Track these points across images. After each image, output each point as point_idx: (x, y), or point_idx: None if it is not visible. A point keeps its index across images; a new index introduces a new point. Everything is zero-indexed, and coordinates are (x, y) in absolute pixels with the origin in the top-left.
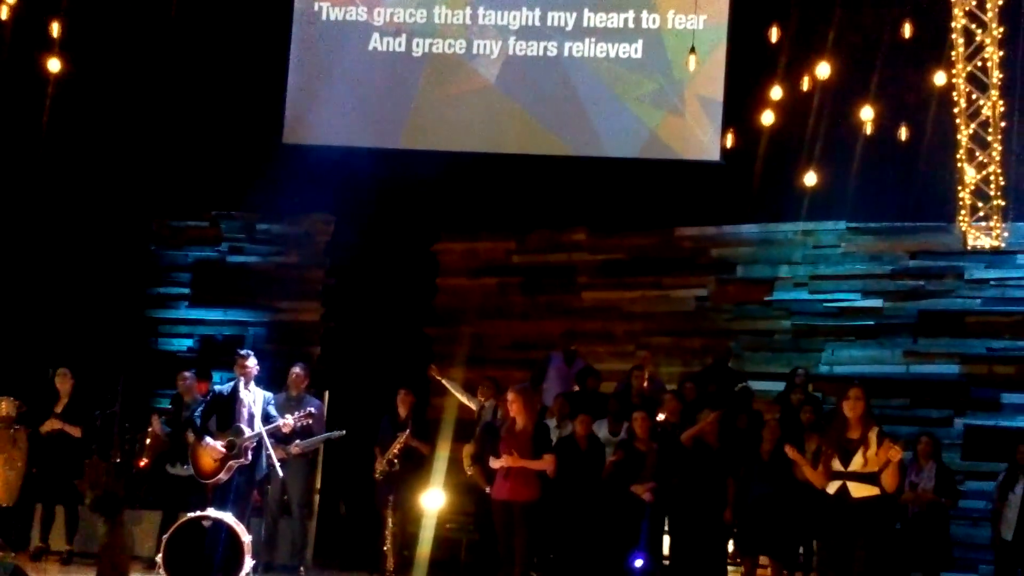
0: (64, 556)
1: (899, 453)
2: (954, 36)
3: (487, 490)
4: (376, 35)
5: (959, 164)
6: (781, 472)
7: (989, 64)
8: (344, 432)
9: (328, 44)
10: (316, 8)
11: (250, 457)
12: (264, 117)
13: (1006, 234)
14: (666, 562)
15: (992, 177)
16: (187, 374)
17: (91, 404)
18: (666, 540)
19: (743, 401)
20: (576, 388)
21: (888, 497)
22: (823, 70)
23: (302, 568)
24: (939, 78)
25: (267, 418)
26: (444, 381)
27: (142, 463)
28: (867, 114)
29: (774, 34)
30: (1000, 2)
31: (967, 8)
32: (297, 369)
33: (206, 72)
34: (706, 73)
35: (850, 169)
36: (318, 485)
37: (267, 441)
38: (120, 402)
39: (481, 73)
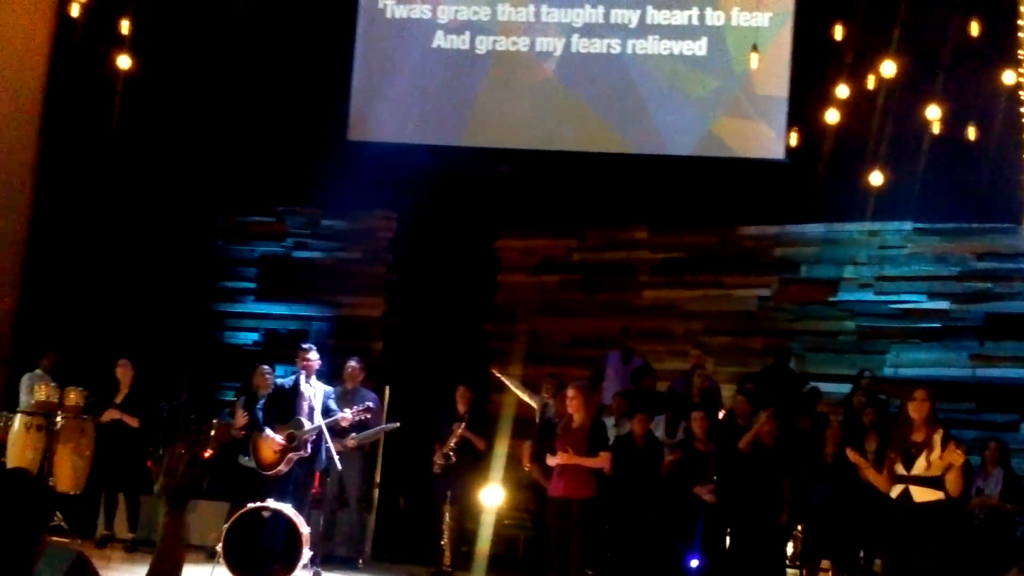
0: (128, 544)
1: (961, 457)
2: (1022, 35)
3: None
4: (440, 33)
5: None
6: (844, 475)
7: None
8: (398, 424)
9: (392, 42)
10: (381, 6)
11: (310, 449)
12: (329, 114)
13: None
14: (721, 562)
15: None
16: (265, 367)
17: (154, 395)
18: (727, 541)
19: (808, 402)
20: (632, 387)
21: (952, 502)
22: (888, 68)
23: (360, 560)
24: (1007, 77)
25: (327, 411)
26: (505, 379)
27: (206, 454)
28: (934, 113)
29: (839, 32)
30: None
31: None
32: (353, 363)
33: (272, 69)
34: (770, 71)
35: (917, 169)
36: (378, 479)
37: (327, 434)
38: (186, 394)
39: (543, 70)
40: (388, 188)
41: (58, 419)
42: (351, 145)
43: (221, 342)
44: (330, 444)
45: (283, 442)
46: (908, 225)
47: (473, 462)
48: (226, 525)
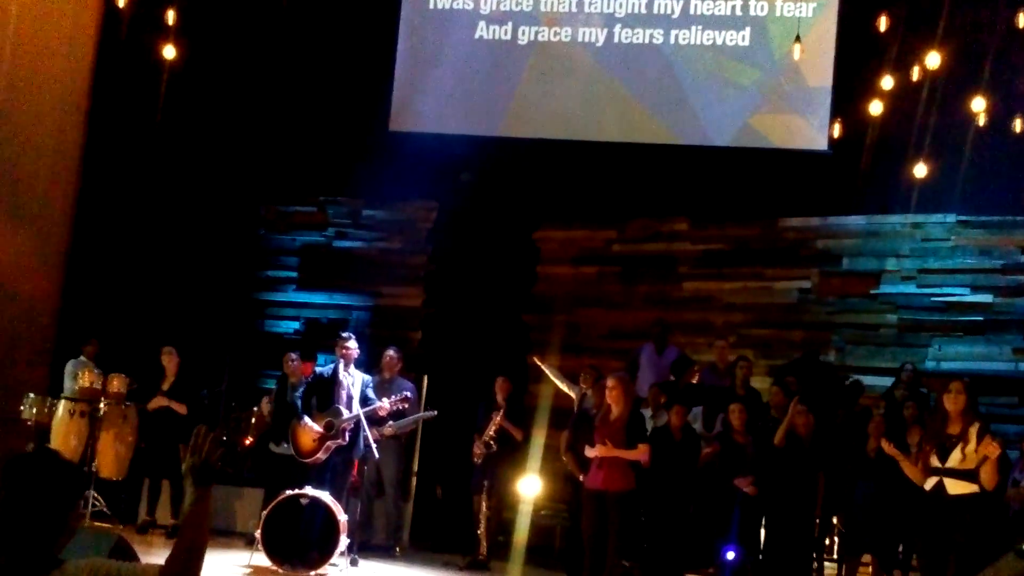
0: (169, 530)
1: (996, 450)
2: None
3: (580, 478)
4: (482, 23)
5: None
6: (887, 470)
7: None
8: (436, 412)
9: (435, 33)
10: None
11: (348, 438)
12: (371, 105)
13: None
14: (758, 555)
15: None
16: (293, 355)
17: (198, 383)
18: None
19: (851, 396)
20: (671, 378)
21: (987, 495)
22: (933, 60)
23: (397, 548)
24: None
25: (365, 400)
26: (545, 368)
27: (247, 441)
28: (979, 105)
29: (883, 22)
30: None
31: None
32: (391, 352)
33: (315, 60)
34: (814, 62)
35: (961, 161)
36: (415, 468)
37: (364, 423)
38: (227, 381)
39: (585, 61)
40: (429, 179)
41: (101, 405)
42: (392, 136)
43: (262, 330)
44: (368, 433)
45: (322, 430)
46: (952, 218)
47: (511, 452)
48: (264, 512)
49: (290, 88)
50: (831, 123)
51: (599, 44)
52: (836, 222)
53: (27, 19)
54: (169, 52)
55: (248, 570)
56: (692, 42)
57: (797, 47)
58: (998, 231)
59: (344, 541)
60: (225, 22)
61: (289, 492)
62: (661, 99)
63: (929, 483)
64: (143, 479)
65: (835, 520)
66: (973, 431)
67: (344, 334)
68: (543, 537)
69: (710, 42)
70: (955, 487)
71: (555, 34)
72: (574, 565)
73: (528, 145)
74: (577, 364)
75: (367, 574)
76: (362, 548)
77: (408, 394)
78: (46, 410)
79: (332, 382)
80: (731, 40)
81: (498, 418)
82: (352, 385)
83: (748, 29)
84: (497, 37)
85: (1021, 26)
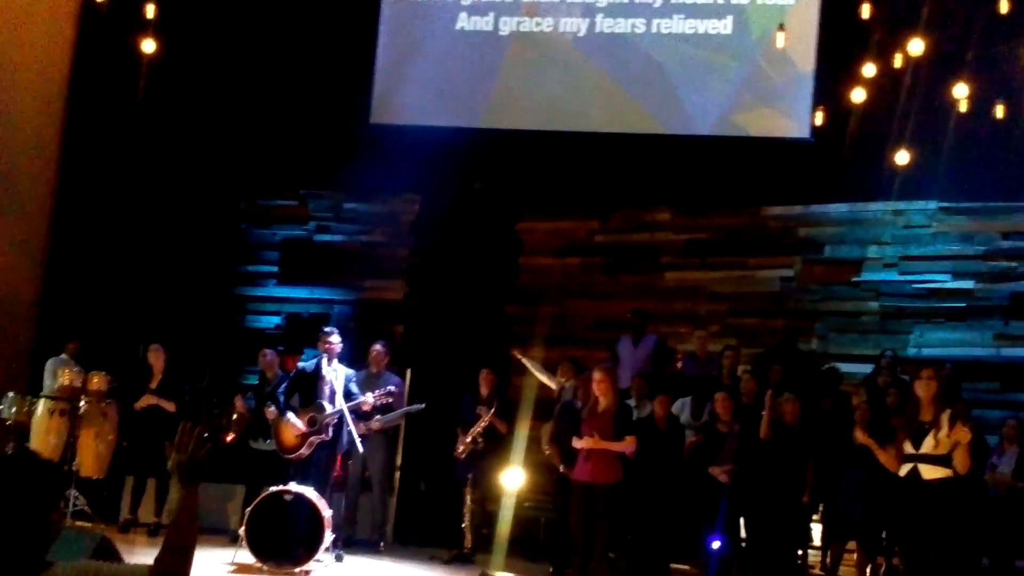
0: (151, 528)
1: (968, 435)
2: None
3: (562, 470)
4: (463, 14)
5: None
6: (873, 456)
7: None
8: (424, 405)
9: (416, 25)
10: None
11: (331, 433)
12: (352, 97)
13: None
14: (743, 544)
15: None
16: (267, 351)
17: (182, 380)
18: (742, 522)
19: (828, 383)
20: (650, 368)
21: (962, 479)
22: (916, 46)
23: (382, 543)
24: None
25: (349, 395)
26: (525, 361)
27: (228, 438)
28: (961, 91)
29: (866, 10)
30: None
31: None
32: (378, 346)
33: (295, 53)
34: (796, 49)
35: (942, 148)
36: (399, 462)
37: (348, 418)
38: (208, 378)
39: (567, 51)
40: (411, 171)
41: (81, 404)
42: (374, 128)
43: (243, 326)
44: (352, 427)
45: (305, 426)
46: (933, 204)
47: (495, 445)
48: (248, 509)
49: (270, 81)
50: (813, 111)
51: (581, 34)
52: (818, 210)
53: (4, 14)
54: (148, 46)
55: (232, 567)
56: (674, 31)
57: (780, 35)
58: (979, 217)
59: (329, 537)
60: (204, 15)
61: (273, 488)
62: (643, 89)
63: (904, 469)
64: (125, 478)
65: (819, 508)
66: (945, 417)
67: (327, 328)
68: (527, 529)
69: (692, 31)
70: (929, 472)
71: (536, 24)
72: (560, 557)
73: (510, 136)
74: (562, 356)
75: (352, 570)
76: (346, 543)
77: (393, 388)
78: (26, 409)
79: (315, 377)
80: (713, 29)
81: (487, 416)
82: (335, 380)
83: (730, 18)
84: (478, 28)
85: (1003, 12)
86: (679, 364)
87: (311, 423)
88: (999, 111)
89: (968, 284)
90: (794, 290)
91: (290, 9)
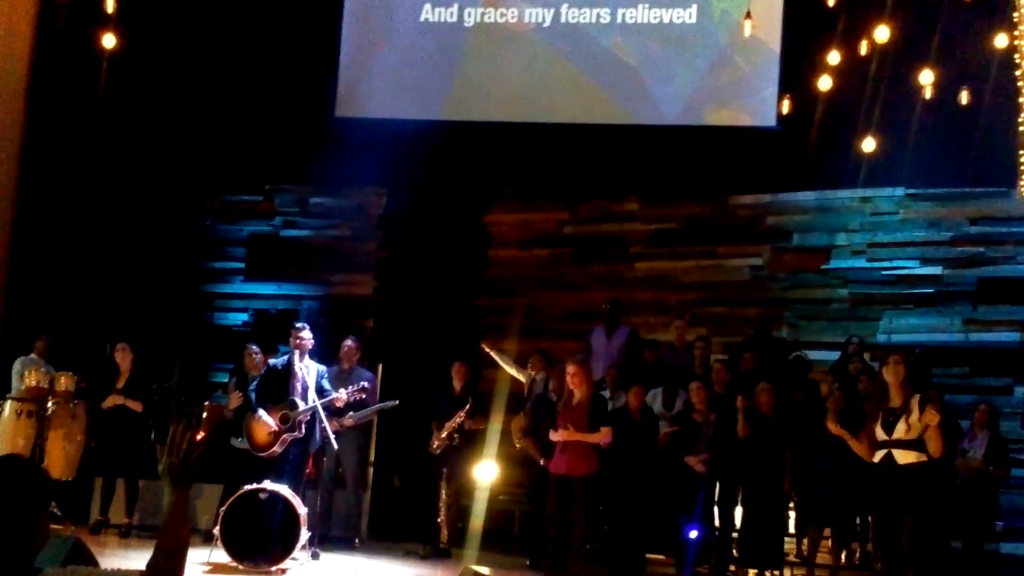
0: (123, 529)
1: (936, 417)
2: None
3: (541, 463)
4: (427, 6)
5: (1020, 128)
6: (845, 444)
7: None
8: (397, 402)
9: (379, 16)
10: None
11: (304, 430)
12: (317, 90)
13: None
14: (718, 533)
15: None
16: (254, 347)
17: (149, 379)
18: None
19: (799, 372)
20: (621, 359)
21: (935, 463)
22: (882, 33)
23: (357, 540)
24: (1001, 40)
25: (321, 391)
26: (494, 354)
27: (199, 436)
28: (927, 78)
29: None
30: None
31: None
32: (349, 342)
33: (259, 46)
34: (762, 38)
35: (909, 134)
36: (372, 458)
37: (321, 414)
38: (177, 376)
39: (532, 41)
40: (377, 164)
41: (49, 405)
42: (339, 121)
43: (210, 323)
44: (325, 424)
45: (277, 423)
46: (900, 191)
47: (469, 440)
48: (223, 508)
49: (234, 75)
50: (780, 99)
51: (546, 24)
52: (786, 198)
53: None
54: (109, 40)
55: (208, 567)
56: (639, 20)
57: (747, 23)
58: (946, 203)
59: (305, 534)
60: (166, 8)
61: (247, 487)
62: (610, 79)
63: (878, 455)
64: (94, 479)
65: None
66: (915, 401)
67: (298, 324)
68: (501, 522)
69: (657, 20)
70: (904, 457)
71: (501, 15)
72: (536, 549)
73: (477, 128)
74: (532, 348)
75: (328, 567)
76: (321, 540)
77: (366, 384)
78: None
79: (287, 374)
80: (678, 18)
81: (461, 416)
82: (307, 376)
83: (695, 6)
84: (443, 19)
85: None
86: (649, 354)
87: (283, 420)
88: (964, 97)
89: (936, 270)
90: (763, 278)
91: (253, 1)
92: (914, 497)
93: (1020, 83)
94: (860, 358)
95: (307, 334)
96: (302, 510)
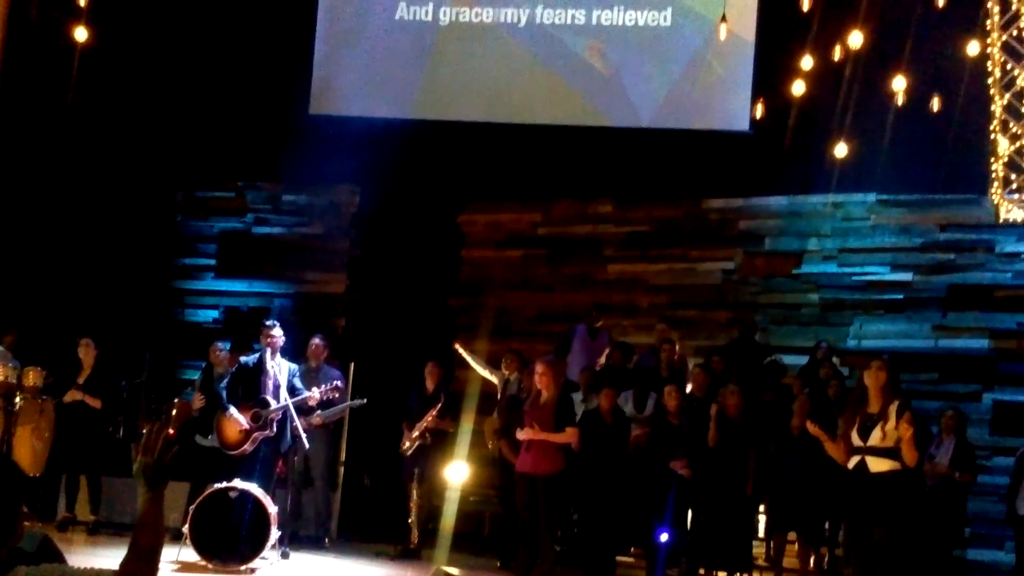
0: (90, 526)
1: (909, 430)
2: (989, 5)
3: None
4: (403, 4)
5: (992, 135)
6: (811, 448)
7: None
8: (365, 400)
9: (354, 14)
10: None
11: (275, 428)
12: (290, 87)
13: None
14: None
15: None
16: (220, 344)
17: (115, 375)
18: (690, 514)
19: (772, 375)
20: (603, 362)
21: (908, 471)
22: (855, 39)
23: (327, 539)
24: (973, 48)
25: (293, 389)
26: (466, 355)
27: (168, 432)
28: (899, 84)
29: (805, 3)
30: None
31: None
32: (317, 340)
33: (233, 42)
34: (736, 42)
35: (881, 140)
36: (343, 457)
37: (293, 412)
38: (147, 373)
39: (507, 41)
40: (351, 162)
41: (17, 400)
42: (313, 119)
43: (181, 320)
44: (296, 423)
45: (249, 422)
46: (872, 197)
47: (440, 440)
48: (192, 506)
49: (207, 70)
50: (753, 104)
51: (521, 25)
52: (758, 203)
53: None
54: (81, 34)
55: (177, 566)
56: (615, 22)
57: (722, 27)
58: (917, 210)
59: (275, 534)
60: (138, 3)
61: (218, 486)
62: (584, 80)
63: (852, 461)
64: (61, 475)
65: (762, 499)
66: (893, 409)
67: (269, 322)
68: (472, 523)
69: (632, 23)
70: (877, 464)
71: (476, 15)
72: (507, 550)
73: (451, 127)
74: (504, 348)
75: (298, 566)
76: (292, 540)
77: (338, 383)
78: None
79: (258, 371)
80: (653, 20)
81: (432, 415)
82: (279, 374)
83: (670, 9)
84: (417, 18)
85: (940, 5)
86: (616, 358)
87: (255, 419)
88: (936, 104)
89: (906, 276)
90: (736, 282)
91: None
92: (885, 505)
93: (991, 91)
94: (830, 363)
95: (278, 332)
96: (272, 509)
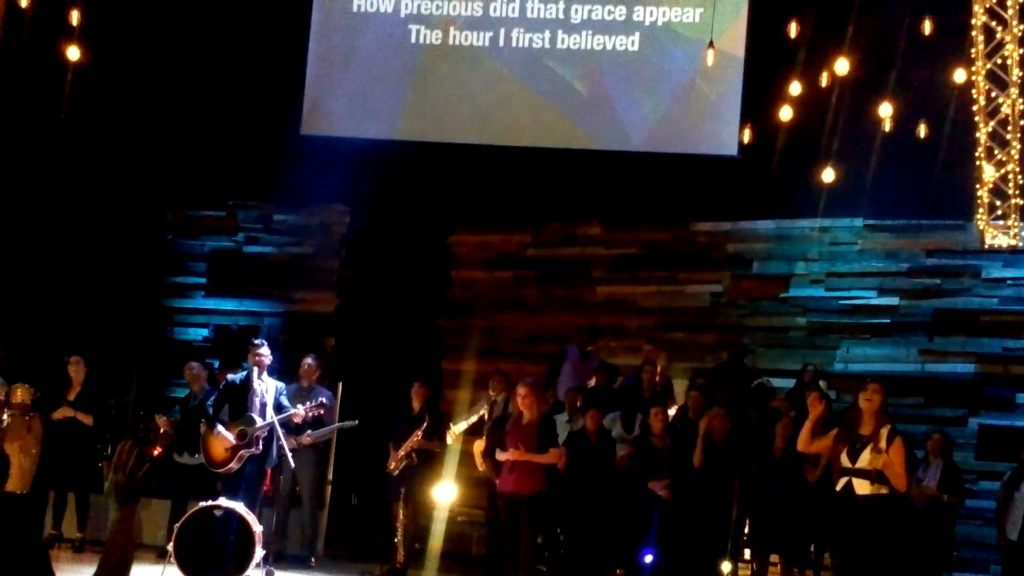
0: (76, 543)
1: (899, 457)
2: (974, 33)
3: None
4: (394, 27)
5: (977, 162)
6: (792, 470)
7: (1009, 61)
8: (356, 422)
9: (346, 35)
10: None
11: (261, 447)
12: (282, 107)
13: None
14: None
15: (1011, 176)
16: (194, 364)
17: (105, 392)
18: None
19: (760, 398)
20: (592, 383)
21: (896, 495)
22: (842, 66)
23: (313, 559)
24: (959, 75)
25: (279, 408)
26: (454, 427)
27: (156, 452)
28: (886, 111)
29: (793, 29)
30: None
31: (987, 5)
32: (309, 360)
33: (225, 62)
34: (725, 67)
35: (868, 166)
36: (330, 476)
37: (279, 431)
38: (135, 391)
39: (497, 65)
40: (341, 183)
41: (4, 417)
42: (304, 139)
43: (170, 338)
44: (283, 441)
45: (234, 439)
46: (859, 222)
47: (427, 461)
48: (177, 524)
49: (198, 90)
50: (741, 128)
51: (512, 47)
52: (746, 226)
53: None
54: (73, 53)
55: None
56: (607, 47)
57: (710, 53)
58: (904, 234)
59: (260, 552)
60: (131, 22)
61: (203, 504)
62: (574, 104)
63: (839, 483)
64: (48, 492)
65: (744, 520)
66: (884, 432)
67: (256, 340)
68: (459, 543)
69: (623, 47)
70: (863, 488)
71: (466, 37)
72: (493, 570)
73: (441, 149)
74: (492, 369)
75: None
76: (277, 559)
77: (324, 400)
78: None
79: (245, 389)
80: (644, 45)
81: (417, 436)
82: (265, 392)
83: (658, 35)
84: (409, 40)
85: (927, 33)
86: (603, 380)
87: (241, 436)
88: (922, 130)
89: (893, 300)
90: (723, 305)
91: (220, 17)
92: (871, 529)
93: (977, 118)
94: (817, 386)
95: (265, 350)
96: (257, 528)
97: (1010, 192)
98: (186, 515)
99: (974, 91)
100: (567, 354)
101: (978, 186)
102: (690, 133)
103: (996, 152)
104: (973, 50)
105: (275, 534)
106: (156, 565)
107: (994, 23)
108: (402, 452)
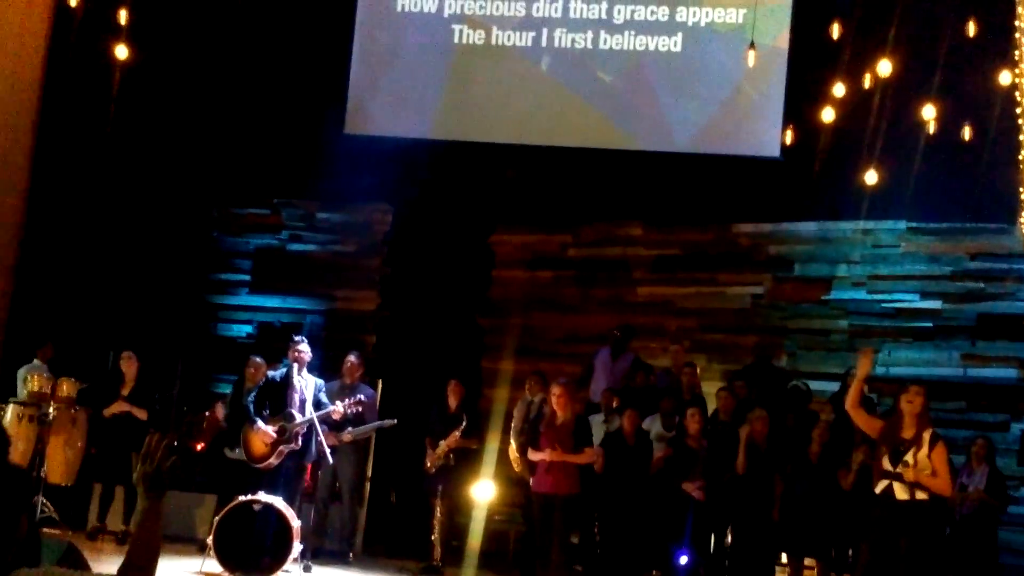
0: (120, 536)
1: (942, 463)
2: (1018, 35)
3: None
4: (438, 27)
5: (1022, 165)
6: (826, 474)
7: None
8: (395, 421)
9: (390, 35)
10: None
11: (300, 443)
12: (326, 106)
13: None
14: (710, 559)
15: None
16: (257, 359)
17: (153, 387)
18: (713, 538)
19: (796, 400)
20: (620, 383)
21: (937, 501)
22: (885, 67)
23: (351, 554)
24: (1004, 77)
25: (318, 404)
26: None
27: (199, 446)
28: (929, 113)
29: (836, 30)
30: None
31: None
32: (352, 357)
33: (270, 61)
34: (767, 68)
35: (911, 168)
36: (369, 473)
37: (318, 427)
38: (179, 386)
39: (541, 65)
40: (384, 182)
41: (50, 410)
42: (348, 138)
43: (215, 334)
44: (321, 437)
45: (274, 435)
46: (902, 224)
47: (465, 459)
48: (217, 518)
49: (244, 89)
50: (783, 130)
51: (555, 48)
52: (788, 228)
53: None
54: (121, 52)
55: None
56: (649, 47)
57: (751, 54)
58: (947, 238)
59: (298, 547)
60: (178, 22)
61: (242, 498)
62: (616, 104)
63: (879, 486)
64: (93, 485)
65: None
66: (927, 436)
67: (297, 337)
68: (497, 542)
69: (664, 48)
70: (904, 492)
71: (509, 38)
72: (530, 570)
73: (483, 149)
74: (531, 368)
75: None
76: (315, 554)
77: (363, 397)
78: None
79: (284, 386)
80: (686, 45)
81: (456, 435)
82: (305, 389)
83: (701, 36)
84: (452, 40)
85: (971, 34)
86: (640, 379)
87: (280, 432)
88: (966, 133)
89: (936, 304)
90: (764, 307)
91: (265, 17)
92: (911, 532)
93: (1021, 120)
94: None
95: (305, 347)
96: (295, 523)
97: None
98: (225, 509)
99: (1018, 93)
100: (598, 354)
101: (1022, 189)
102: (732, 134)
103: None
104: (1017, 52)
105: (314, 529)
106: (196, 558)
107: None
108: (439, 451)
